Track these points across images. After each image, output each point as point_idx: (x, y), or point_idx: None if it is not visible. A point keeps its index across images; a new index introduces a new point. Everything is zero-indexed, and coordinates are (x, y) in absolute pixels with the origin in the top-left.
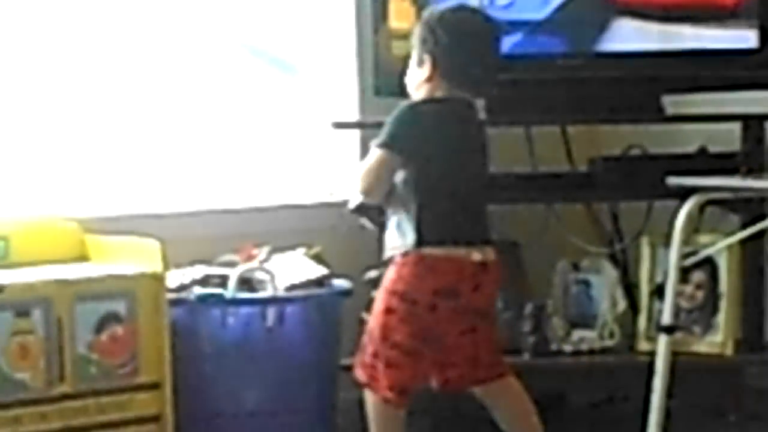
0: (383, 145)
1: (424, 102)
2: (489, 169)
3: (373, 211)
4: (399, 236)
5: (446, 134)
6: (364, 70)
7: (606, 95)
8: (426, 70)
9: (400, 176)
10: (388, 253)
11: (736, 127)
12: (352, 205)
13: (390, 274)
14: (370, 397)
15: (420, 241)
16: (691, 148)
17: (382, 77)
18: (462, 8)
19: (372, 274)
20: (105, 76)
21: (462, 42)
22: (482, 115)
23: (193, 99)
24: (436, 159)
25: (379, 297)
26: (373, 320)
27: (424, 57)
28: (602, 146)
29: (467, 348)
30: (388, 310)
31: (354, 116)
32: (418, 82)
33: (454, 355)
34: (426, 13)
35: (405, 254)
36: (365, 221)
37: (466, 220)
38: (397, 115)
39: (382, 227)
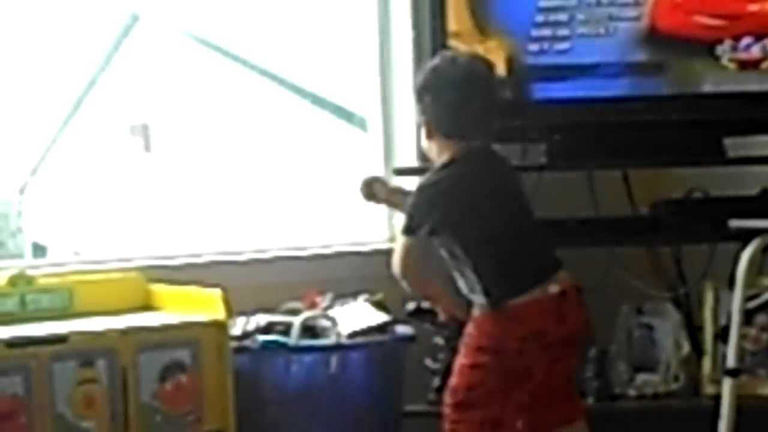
0: (405, 231)
1: (440, 169)
2: (528, 201)
3: (428, 315)
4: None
5: (473, 192)
6: None
7: (667, 138)
8: (425, 131)
9: (444, 252)
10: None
11: None
12: (408, 310)
13: (471, 330)
14: None
15: (493, 303)
16: (753, 191)
17: None
18: (442, 61)
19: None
20: (173, 131)
21: (443, 97)
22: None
23: (255, 147)
24: (471, 219)
25: (463, 353)
26: (459, 376)
27: (421, 119)
28: (664, 189)
29: (551, 379)
30: (475, 366)
31: (415, 162)
32: (425, 145)
33: (540, 389)
34: (415, 77)
35: (486, 310)
36: (426, 325)
37: (529, 259)
38: (416, 196)
39: (439, 328)
